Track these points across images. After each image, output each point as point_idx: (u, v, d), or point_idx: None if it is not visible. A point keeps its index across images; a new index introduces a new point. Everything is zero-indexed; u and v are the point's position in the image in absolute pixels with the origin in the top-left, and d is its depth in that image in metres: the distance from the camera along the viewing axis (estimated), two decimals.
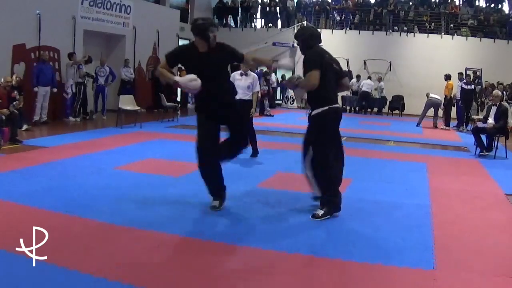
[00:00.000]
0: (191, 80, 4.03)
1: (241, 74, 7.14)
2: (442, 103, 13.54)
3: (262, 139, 7.86)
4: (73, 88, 11.19)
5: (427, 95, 13.77)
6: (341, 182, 4.50)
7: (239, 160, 7.08)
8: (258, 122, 7.97)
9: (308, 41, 4.43)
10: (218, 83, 4.28)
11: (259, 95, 7.50)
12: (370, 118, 16.22)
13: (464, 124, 13.03)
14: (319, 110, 4.33)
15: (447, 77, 13.32)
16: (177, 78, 4.23)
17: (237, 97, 7.03)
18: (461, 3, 20.08)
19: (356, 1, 20.16)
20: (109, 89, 12.45)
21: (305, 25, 17.21)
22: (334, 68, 4.43)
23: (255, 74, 7.35)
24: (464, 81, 12.92)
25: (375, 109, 17.78)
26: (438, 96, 13.55)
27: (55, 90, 10.59)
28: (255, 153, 7.34)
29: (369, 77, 17.61)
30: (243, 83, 7.03)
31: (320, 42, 4.51)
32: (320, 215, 4.30)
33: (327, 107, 4.31)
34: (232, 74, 7.42)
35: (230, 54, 4.39)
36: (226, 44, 4.43)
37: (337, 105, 4.45)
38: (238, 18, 20.73)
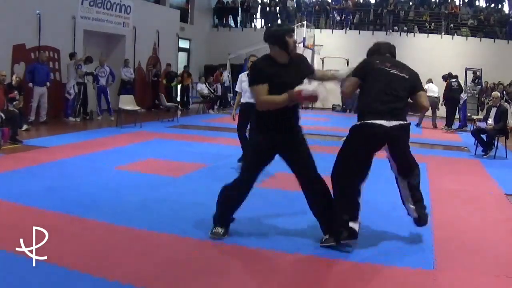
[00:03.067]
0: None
1: None
2: (440, 103, 13.61)
3: None
4: (75, 89, 11.17)
5: None
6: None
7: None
8: None
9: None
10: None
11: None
12: None
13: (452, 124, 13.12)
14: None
15: (445, 78, 13.51)
16: (298, 88, 3.33)
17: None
18: (461, 3, 20.10)
19: (356, 1, 20.16)
20: (109, 89, 12.44)
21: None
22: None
23: None
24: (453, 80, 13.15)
25: None
26: (436, 94, 13.59)
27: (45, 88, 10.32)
28: None
29: None
30: None
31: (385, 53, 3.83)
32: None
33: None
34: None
35: (307, 66, 3.75)
36: (302, 54, 3.90)
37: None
38: (238, 18, 20.74)
